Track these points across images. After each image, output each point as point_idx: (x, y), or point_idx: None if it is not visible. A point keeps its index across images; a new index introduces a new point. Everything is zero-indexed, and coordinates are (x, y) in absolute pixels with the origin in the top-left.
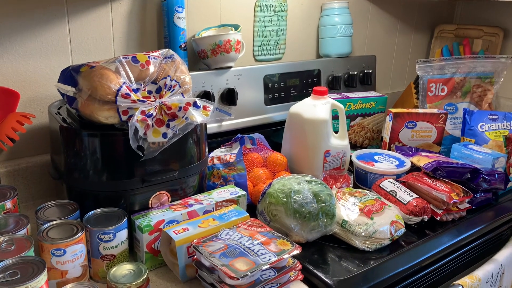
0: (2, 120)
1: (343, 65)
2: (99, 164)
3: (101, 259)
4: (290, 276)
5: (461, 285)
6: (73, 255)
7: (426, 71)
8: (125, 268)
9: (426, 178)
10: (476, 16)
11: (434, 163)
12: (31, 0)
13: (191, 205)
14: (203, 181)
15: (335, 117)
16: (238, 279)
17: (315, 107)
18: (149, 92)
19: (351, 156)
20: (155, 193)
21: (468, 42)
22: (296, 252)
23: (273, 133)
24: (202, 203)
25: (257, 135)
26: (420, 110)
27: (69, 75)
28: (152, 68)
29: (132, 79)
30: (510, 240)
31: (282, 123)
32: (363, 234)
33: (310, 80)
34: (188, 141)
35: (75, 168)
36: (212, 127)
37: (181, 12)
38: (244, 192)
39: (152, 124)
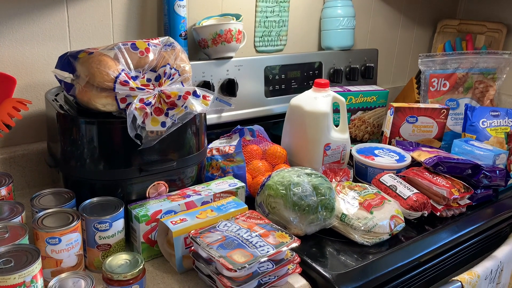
0: None
1: (344, 58)
2: (96, 152)
3: (97, 248)
4: (288, 269)
5: (460, 282)
6: (68, 244)
7: (428, 66)
8: (121, 258)
9: (426, 173)
10: (479, 12)
11: (435, 158)
12: None
13: (189, 196)
14: (202, 172)
15: (335, 110)
16: (235, 271)
17: (316, 100)
18: (148, 80)
19: (351, 150)
20: (153, 183)
21: (471, 37)
22: (294, 245)
23: (273, 125)
24: (200, 194)
25: (256, 127)
26: (421, 105)
27: (67, 61)
28: (151, 56)
29: (131, 66)
30: (509, 237)
31: (282, 115)
32: (362, 228)
33: (311, 72)
34: (187, 131)
35: (71, 156)
36: (211, 118)
37: (182, 0)
38: (243, 184)
39: (151, 112)
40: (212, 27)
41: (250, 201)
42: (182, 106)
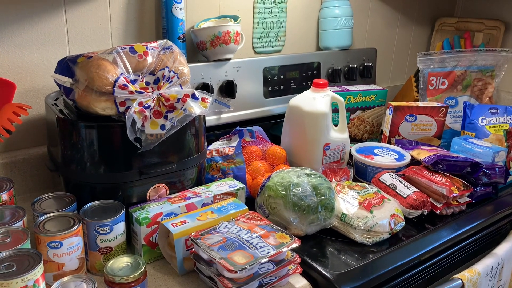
0: None
1: (343, 57)
2: (96, 156)
3: (98, 251)
4: (289, 269)
5: (461, 279)
6: (70, 248)
7: (426, 64)
8: (122, 261)
9: (426, 172)
10: (477, 9)
11: (434, 156)
12: None
13: (189, 198)
14: (202, 173)
15: (334, 110)
16: (236, 272)
17: (315, 100)
18: (147, 83)
19: (350, 149)
20: (153, 186)
21: (469, 35)
22: (295, 245)
23: (272, 126)
24: (200, 196)
25: (256, 128)
26: (420, 104)
27: (66, 66)
28: (150, 59)
29: (130, 70)
30: (509, 234)
31: (281, 116)
32: (362, 227)
33: (310, 72)
34: (187, 133)
35: (72, 160)
36: (210, 120)
37: (180, 3)
38: (243, 185)
39: (150, 115)
40: (210, 29)
41: (250, 202)
42: (181, 108)
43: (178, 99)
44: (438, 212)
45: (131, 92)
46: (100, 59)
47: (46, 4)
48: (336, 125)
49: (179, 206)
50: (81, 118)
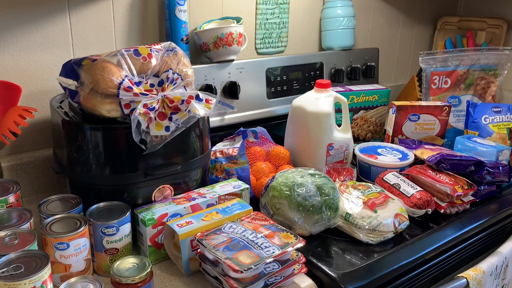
0: (4, 114)
1: (345, 58)
2: (101, 158)
3: (105, 252)
4: (294, 269)
5: (465, 278)
6: (76, 249)
7: (429, 64)
8: (128, 262)
9: (429, 171)
10: (480, 8)
11: (438, 155)
12: None
13: (194, 199)
14: (206, 174)
15: (338, 110)
16: (242, 272)
17: (318, 100)
18: (151, 85)
19: (354, 149)
20: (158, 187)
21: (472, 34)
22: (300, 245)
23: (275, 126)
24: (205, 197)
25: (259, 129)
26: (423, 103)
27: (70, 69)
28: (154, 61)
29: (134, 72)
30: None
31: (284, 116)
32: (366, 227)
33: (312, 73)
34: (191, 135)
35: (77, 162)
36: (214, 121)
37: (183, 5)
38: (247, 186)
39: (155, 117)
40: (213, 31)
41: (255, 203)
42: (185, 110)
43: (183, 100)
44: (442, 211)
45: (135, 94)
46: (104, 62)
47: (51, 8)
48: (339, 125)
49: (184, 207)
50: (87, 120)
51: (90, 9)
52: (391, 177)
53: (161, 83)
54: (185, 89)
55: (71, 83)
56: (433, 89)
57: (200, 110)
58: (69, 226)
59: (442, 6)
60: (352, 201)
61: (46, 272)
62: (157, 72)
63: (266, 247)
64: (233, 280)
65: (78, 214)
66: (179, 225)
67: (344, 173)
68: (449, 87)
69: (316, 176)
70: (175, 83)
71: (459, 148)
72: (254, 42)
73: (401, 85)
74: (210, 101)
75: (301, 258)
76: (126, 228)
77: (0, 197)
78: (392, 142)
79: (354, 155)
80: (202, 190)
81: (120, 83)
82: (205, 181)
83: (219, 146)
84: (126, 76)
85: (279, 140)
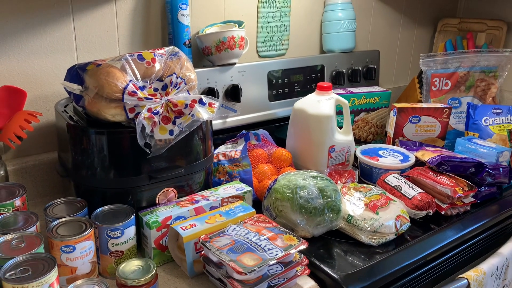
0: (9, 118)
1: (346, 60)
2: (106, 162)
3: (110, 255)
4: (297, 270)
5: (466, 279)
6: (82, 252)
7: (429, 66)
8: (133, 264)
9: (430, 173)
10: (480, 10)
11: (438, 157)
12: None
13: (197, 201)
14: (209, 177)
15: (339, 112)
16: (246, 274)
17: (319, 103)
18: (155, 89)
19: (355, 151)
20: (162, 190)
21: (472, 36)
22: (302, 247)
23: (277, 129)
24: (208, 199)
25: (261, 131)
26: (424, 105)
27: (75, 73)
28: (158, 66)
29: (138, 76)
30: None
31: (286, 119)
32: (368, 228)
33: (313, 75)
34: (194, 138)
35: (82, 166)
36: (216, 124)
37: (185, 9)
38: (250, 188)
39: (159, 121)
40: (215, 35)
41: (257, 205)
42: (189, 114)
43: (186, 104)
44: (443, 212)
45: (140, 99)
46: (109, 67)
47: (55, 14)
48: (340, 127)
49: (188, 210)
50: (91, 124)
51: (94, 14)
52: (392, 179)
53: (165, 88)
54: (189, 93)
55: (76, 88)
56: (433, 91)
57: (203, 113)
58: (74, 229)
59: (442, 8)
60: (354, 203)
61: (53, 274)
62: (161, 76)
63: (269, 249)
64: (237, 282)
65: (84, 217)
66: (183, 228)
67: (346, 175)
68: (450, 89)
69: (318, 178)
70: (179, 87)
71: (460, 150)
72: (255, 45)
73: (402, 87)
74: (213, 105)
75: (304, 260)
76: (131, 230)
77: (6, 201)
78: (393, 144)
79: (356, 157)
80: (206, 192)
81: (125, 88)
82: (208, 184)
83: (222, 148)
84: (130, 80)
85: (281, 142)
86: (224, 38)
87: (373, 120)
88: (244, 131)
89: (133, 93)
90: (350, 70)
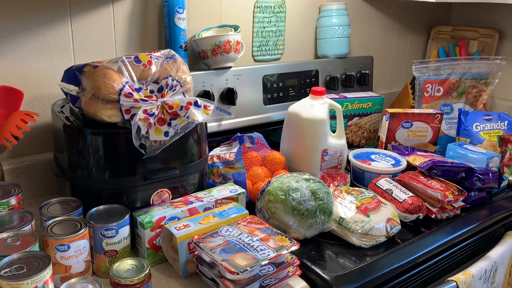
0: (6, 118)
1: (340, 65)
2: (101, 162)
3: (104, 254)
4: (289, 271)
5: (455, 282)
6: (77, 251)
7: (422, 72)
8: (127, 264)
9: (421, 177)
10: (472, 18)
11: (429, 162)
12: (34, 0)
13: (191, 203)
14: (203, 179)
15: (332, 116)
16: (238, 274)
17: (313, 107)
18: (151, 91)
19: (348, 155)
20: (157, 191)
21: (464, 43)
22: (294, 248)
23: (271, 132)
24: (202, 201)
25: (256, 134)
26: (416, 110)
27: (72, 75)
28: (154, 68)
29: (135, 78)
30: (503, 238)
31: (280, 122)
32: (359, 231)
33: (308, 80)
34: (189, 140)
35: (78, 166)
36: (212, 126)
37: (182, 13)
38: (244, 190)
39: (154, 123)
40: (211, 39)
41: (251, 207)
42: (184, 116)
43: (181, 106)
44: (433, 216)
45: (136, 100)
46: (106, 69)
47: (53, 15)
48: (334, 132)
49: (182, 211)
50: (87, 125)
51: (91, 17)
52: (384, 183)
53: (160, 90)
54: (184, 95)
55: (73, 89)
56: (426, 97)
57: (198, 116)
58: (69, 228)
59: (435, 15)
60: (345, 205)
61: (48, 272)
62: (157, 78)
63: (261, 249)
64: (229, 282)
65: (79, 216)
66: (177, 228)
67: (338, 178)
68: (442, 95)
69: (311, 181)
70: (174, 89)
71: (451, 155)
72: (251, 50)
73: (395, 92)
74: (208, 107)
75: (296, 260)
76: (125, 230)
77: (2, 200)
78: (385, 148)
79: (348, 161)
80: (200, 194)
81: (121, 89)
82: (202, 185)
83: (216, 151)
84: (126, 82)
85: (275, 145)
86: (220, 42)
87: (366, 125)
88: (238, 134)
89: (129, 95)
90: (344, 76)
